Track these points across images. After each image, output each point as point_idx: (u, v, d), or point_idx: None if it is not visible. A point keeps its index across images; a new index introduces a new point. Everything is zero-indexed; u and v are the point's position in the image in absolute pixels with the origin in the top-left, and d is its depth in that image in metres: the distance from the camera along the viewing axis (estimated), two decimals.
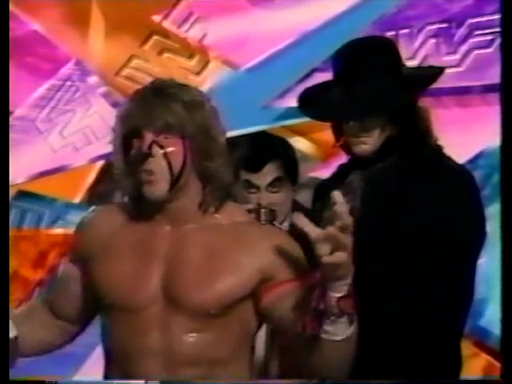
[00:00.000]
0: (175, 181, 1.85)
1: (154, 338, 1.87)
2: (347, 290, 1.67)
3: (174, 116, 1.84)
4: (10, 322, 1.95)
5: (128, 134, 1.87)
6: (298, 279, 1.83)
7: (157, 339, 1.87)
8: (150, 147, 1.84)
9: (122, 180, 1.92)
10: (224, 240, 1.88)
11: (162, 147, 1.84)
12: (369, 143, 2.21)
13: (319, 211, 2.35)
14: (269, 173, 2.62)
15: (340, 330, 1.70)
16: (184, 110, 1.85)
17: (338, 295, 1.67)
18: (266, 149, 2.70)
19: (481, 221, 2.19)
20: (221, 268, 1.85)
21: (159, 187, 1.85)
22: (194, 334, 1.85)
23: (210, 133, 1.88)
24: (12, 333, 1.95)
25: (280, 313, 1.82)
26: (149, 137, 1.84)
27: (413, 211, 2.12)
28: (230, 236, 1.88)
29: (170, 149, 1.85)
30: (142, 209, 1.93)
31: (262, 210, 2.42)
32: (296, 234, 2.45)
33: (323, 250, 1.64)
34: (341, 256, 1.63)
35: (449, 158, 2.25)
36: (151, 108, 1.85)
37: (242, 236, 1.88)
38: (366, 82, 2.19)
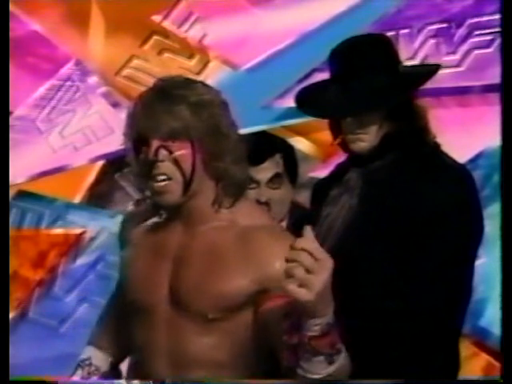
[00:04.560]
0: (188, 184, 1.84)
1: (162, 337, 1.89)
2: (320, 330, 1.53)
3: (179, 121, 1.81)
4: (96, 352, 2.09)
5: (136, 141, 1.87)
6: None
7: (165, 339, 1.88)
8: (156, 153, 1.82)
9: (136, 181, 1.93)
10: (230, 244, 1.84)
11: (170, 152, 1.83)
12: (366, 140, 2.21)
13: (317, 210, 2.36)
14: (269, 168, 2.63)
15: (316, 369, 1.56)
16: (190, 112, 1.82)
17: (309, 334, 1.53)
18: (267, 144, 2.72)
19: (479, 218, 2.19)
20: (220, 273, 1.82)
21: (173, 194, 1.84)
22: (197, 336, 1.84)
23: (219, 131, 1.85)
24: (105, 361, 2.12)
25: (271, 329, 1.73)
26: (155, 143, 1.82)
27: (410, 209, 2.12)
28: (237, 241, 1.84)
29: (178, 153, 1.83)
30: (158, 208, 1.94)
31: None
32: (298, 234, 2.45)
33: (291, 279, 1.48)
34: (303, 294, 1.47)
35: (446, 156, 2.25)
36: (156, 114, 1.82)
37: (248, 242, 1.82)
38: (363, 79, 2.19)
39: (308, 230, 1.51)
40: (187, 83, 1.89)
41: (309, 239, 1.49)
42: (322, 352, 1.55)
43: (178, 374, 1.86)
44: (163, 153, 1.82)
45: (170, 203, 1.86)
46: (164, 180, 1.83)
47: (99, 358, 2.12)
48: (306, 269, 1.46)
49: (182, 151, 1.83)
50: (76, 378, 2.12)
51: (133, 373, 2.00)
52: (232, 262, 1.82)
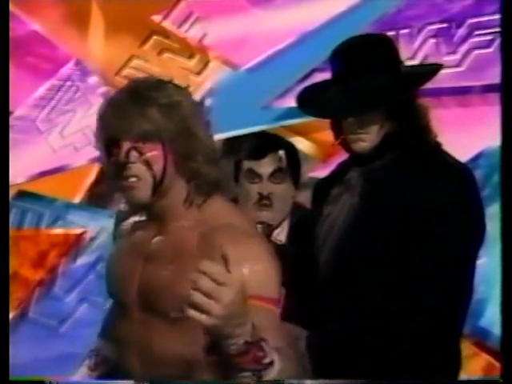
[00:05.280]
0: (158, 185, 1.85)
1: (134, 334, 1.90)
2: (237, 349, 1.52)
3: (150, 123, 1.82)
4: None
5: (107, 143, 1.87)
6: (251, 299, 1.67)
7: (137, 336, 1.89)
8: (127, 154, 1.83)
9: (111, 182, 1.93)
10: (193, 245, 1.83)
11: (141, 153, 1.83)
12: (367, 140, 2.21)
13: (318, 209, 2.36)
14: (271, 162, 2.65)
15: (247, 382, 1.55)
16: (161, 114, 1.83)
17: (228, 352, 1.53)
18: (270, 140, 2.76)
19: (480, 217, 2.19)
20: (181, 272, 1.80)
21: (142, 192, 1.85)
22: (165, 334, 1.84)
23: (190, 132, 1.86)
24: None
25: None
26: (126, 145, 1.83)
27: (411, 208, 2.12)
28: (200, 241, 1.82)
29: (149, 154, 1.84)
30: (133, 208, 1.96)
31: (258, 226, 2.43)
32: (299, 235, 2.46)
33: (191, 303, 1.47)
34: (204, 319, 1.47)
35: (448, 155, 2.25)
36: (127, 116, 1.83)
37: (209, 243, 1.79)
38: (364, 79, 2.19)
39: (205, 264, 1.48)
40: (158, 85, 1.89)
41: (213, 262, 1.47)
42: (247, 369, 1.54)
43: (149, 372, 1.87)
44: (134, 154, 1.83)
45: (139, 201, 1.87)
46: (134, 180, 1.84)
47: (107, 349, 2.14)
48: (206, 294, 1.45)
49: (153, 152, 1.84)
50: (84, 368, 2.15)
51: (104, 367, 2.01)
52: (192, 263, 1.74)
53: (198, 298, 1.46)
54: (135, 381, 1.88)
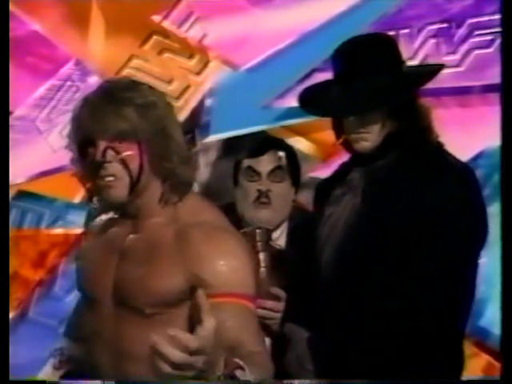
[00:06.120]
0: (134, 184, 1.86)
1: (106, 329, 1.91)
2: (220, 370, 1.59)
3: (126, 122, 1.84)
4: None
5: (82, 143, 1.88)
6: (227, 296, 1.77)
7: (109, 331, 1.90)
8: (103, 154, 1.85)
9: (84, 184, 1.94)
10: (168, 241, 1.86)
11: (117, 152, 1.85)
12: (369, 140, 2.21)
13: (320, 210, 2.35)
14: (270, 160, 2.64)
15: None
16: (137, 114, 1.85)
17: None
18: (270, 138, 2.79)
19: (482, 217, 2.19)
20: (155, 270, 1.85)
21: (119, 191, 1.86)
22: (139, 330, 1.84)
23: (165, 132, 1.88)
24: None
25: None
26: (102, 144, 1.85)
27: (413, 208, 2.12)
28: (174, 238, 1.86)
29: (125, 153, 1.85)
30: (109, 207, 1.98)
31: (257, 231, 2.42)
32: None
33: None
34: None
35: (449, 155, 2.25)
36: (103, 116, 1.84)
37: (183, 240, 1.84)
38: (366, 78, 2.19)
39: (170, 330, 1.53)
40: (133, 85, 1.92)
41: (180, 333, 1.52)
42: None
43: (120, 367, 1.88)
44: (111, 153, 1.85)
45: (116, 200, 1.89)
46: (111, 179, 1.86)
47: (72, 348, 2.14)
48: (177, 366, 1.49)
49: (130, 152, 1.86)
50: (47, 367, 2.14)
51: (68, 366, 2.01)
52: (167, 259, 1.84)
53: (168, 369, 1.50)
54: (104, 378, 1.88)
